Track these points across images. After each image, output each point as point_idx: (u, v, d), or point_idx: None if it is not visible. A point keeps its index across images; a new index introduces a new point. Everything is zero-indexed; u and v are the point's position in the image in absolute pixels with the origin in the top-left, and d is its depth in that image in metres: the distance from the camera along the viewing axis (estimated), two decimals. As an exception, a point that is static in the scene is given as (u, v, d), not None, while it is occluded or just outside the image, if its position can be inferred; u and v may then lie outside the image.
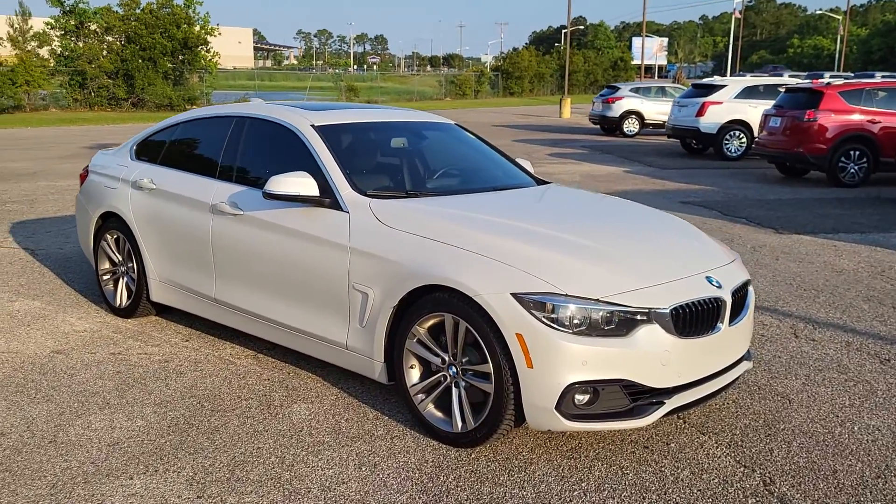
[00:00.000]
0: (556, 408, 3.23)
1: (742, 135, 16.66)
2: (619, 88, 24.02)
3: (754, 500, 3.17)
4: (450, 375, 3.56)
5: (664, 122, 21.06)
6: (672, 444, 3.63)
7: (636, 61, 69.97)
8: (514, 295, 3.27)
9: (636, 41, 79.56)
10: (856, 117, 12.47)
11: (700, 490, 3.24)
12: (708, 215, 9.94)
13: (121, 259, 5.38)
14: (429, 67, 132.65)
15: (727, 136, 16.73)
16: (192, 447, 3.51)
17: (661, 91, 24.07)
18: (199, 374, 4.38)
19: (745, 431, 3.79)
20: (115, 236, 5.37)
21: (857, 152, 12.44)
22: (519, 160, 5.24)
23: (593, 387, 3.27)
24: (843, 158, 12.48)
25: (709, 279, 3.60)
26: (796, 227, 9.12)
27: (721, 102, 16.83)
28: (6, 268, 6.82)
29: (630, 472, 3.37)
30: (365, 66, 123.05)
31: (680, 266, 3.64)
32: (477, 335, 3.37)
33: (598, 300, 3.27)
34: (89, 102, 32.44)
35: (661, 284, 3.44)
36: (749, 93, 16.96)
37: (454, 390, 3.55)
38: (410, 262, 3.62)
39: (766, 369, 4.61)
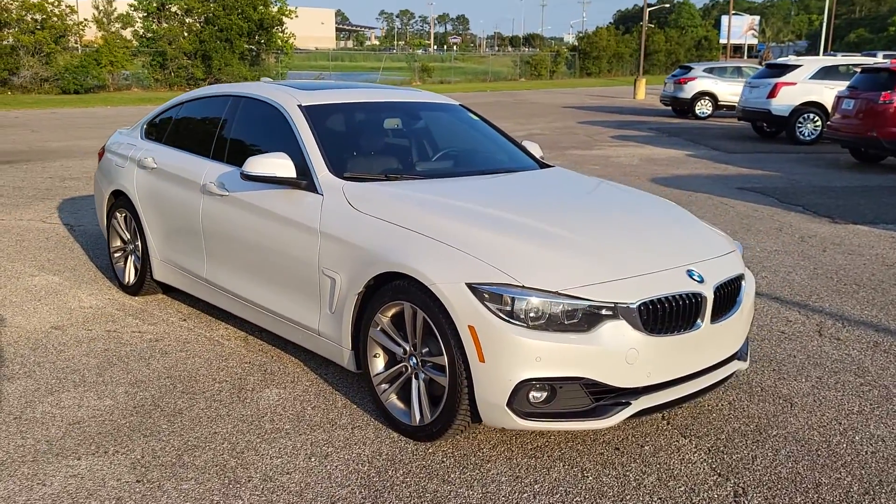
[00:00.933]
0: (507, 405, 3.07)
1: (816, 118, 15.80)
2: (692, 69, 23.15)
3: (718, 513, 2.94)
4: (410, 366, 3.44)
5: (739, 103, 20.24)
6: (646, 447, 3.41)
7: (723, 40, 67.51)
8: (469, 285, 3.11)
9: (725, 19, 76.70)
10: (936, 99, 11.63)
11: (661, 498, 3.02)
12: (763, 202, 9.45)
13: (129, 237, 5.44)
14: (509, 48, 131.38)
15: (800, 119, 15.90)
16: (149, 429, 3.49)
17: (737, 71, 23.07)
18: (184, 355, 4.38)
19: (732, 436, 3.53)
20: (123, 214, 5.43)
21: (937, 137, 11.61)
22: (525, 143, 5.03)
23: (550, 384, 3.08)
24: (920, 144, 11.67)
25: (690, 273, 3.34)
26: (855, 217, 8.57)
27: (795, 83, 15.99)
28: (42, 243, 7.02)
29: (590, 476, 3.17)
30: (445, 47, 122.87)
31: (658, 258, 3.39)
32: (433, 326, 3.23)
33: (557, 293, 3.07)
34: (169, 82, 33.34)
35: (631, 277, 3.21)
36: (826, 73, 16.05)
37: (414, 382, 3.42)
38: (374, 247, 3.49)
39: (775, 369, 4.31)
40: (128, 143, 5.57)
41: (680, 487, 3.11)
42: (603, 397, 3.14)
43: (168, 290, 5.42)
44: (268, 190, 4.10)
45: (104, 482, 3.04)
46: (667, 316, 3.19)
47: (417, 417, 3.38)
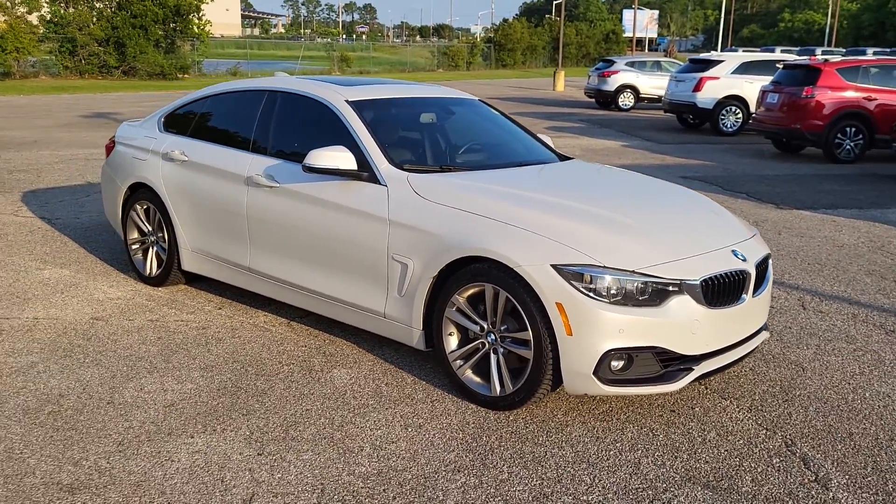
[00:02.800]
0: (593, 373, 3.43)
1: (738, 110, 16.83)
2: (614, 62, 24.08)
3: (779, 460, 3.38)
4: (488, 342, 3.75)
5: (659, 96, 21.25)
6: (697, 408, 3.84)
7: (627, 34, 69.78)
8: (554, 266, 3.45)
9: (627, 13, 79.28)
10: (852, 94, 12.64)
11: (727, 450, 3.45)
12: (709, 190, 10.11)
13: (151, 229, 5.50)
14: (418, 38, 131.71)
15: (723, 112, 16.89)
16: (243, 409, 3.68)
17: (657, 65, 24.16)
18: (238, 341, 4.54)
19: (764, 397, 4.00)
20: (144, 206, 5.49)
21: (854, 129, 12.65)
22: (541, 135, 5.39)
23: (628, 353, 3.46)
24: (839, 135, 12.67)
25: (734, 252, 3.79)
26: (796, 203, 9.33)
27: (718, 78, 16.96)
28: (27, 237, 6.92)
29: (660, 434, 3.57)
30: (354, 36, 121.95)
31: (708, 240, 3.82)
32: (517, 304, 3.55)
33: (633, 272, 3.45)
34: (80, 70, 32.12)
35: (691, 257, 3.62)
36: (746, 68, 17.10)
37: (493, 356, 3.73)
38: (450, 234, 3.78)
39: (778, 339, 4.83)
40: (145, 135, 5.61)
41: (739, 441, 3.54)
42: (670, 364, 3.55)
43: (190, 280, 5.52)
44: (324, 182, 4.30)
45: (229, 456, 3.24)
46: (722, 291, 3.62)
47: (498, 389, 3.70)
